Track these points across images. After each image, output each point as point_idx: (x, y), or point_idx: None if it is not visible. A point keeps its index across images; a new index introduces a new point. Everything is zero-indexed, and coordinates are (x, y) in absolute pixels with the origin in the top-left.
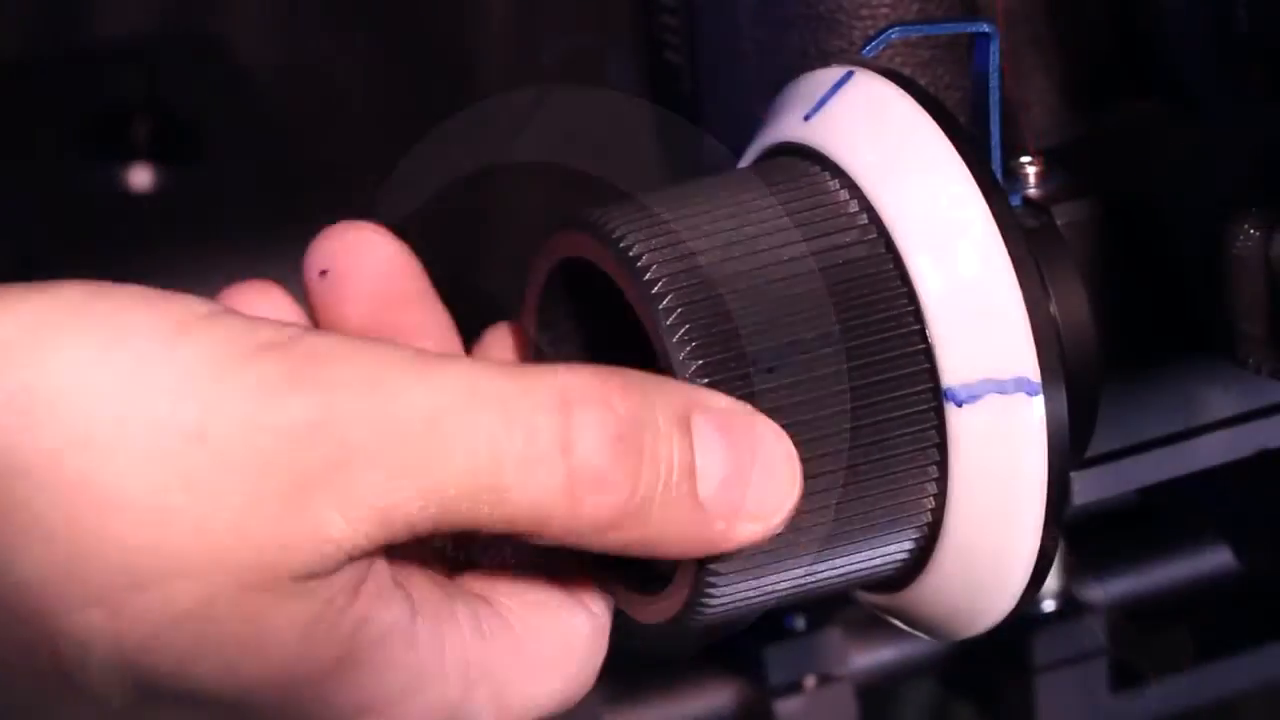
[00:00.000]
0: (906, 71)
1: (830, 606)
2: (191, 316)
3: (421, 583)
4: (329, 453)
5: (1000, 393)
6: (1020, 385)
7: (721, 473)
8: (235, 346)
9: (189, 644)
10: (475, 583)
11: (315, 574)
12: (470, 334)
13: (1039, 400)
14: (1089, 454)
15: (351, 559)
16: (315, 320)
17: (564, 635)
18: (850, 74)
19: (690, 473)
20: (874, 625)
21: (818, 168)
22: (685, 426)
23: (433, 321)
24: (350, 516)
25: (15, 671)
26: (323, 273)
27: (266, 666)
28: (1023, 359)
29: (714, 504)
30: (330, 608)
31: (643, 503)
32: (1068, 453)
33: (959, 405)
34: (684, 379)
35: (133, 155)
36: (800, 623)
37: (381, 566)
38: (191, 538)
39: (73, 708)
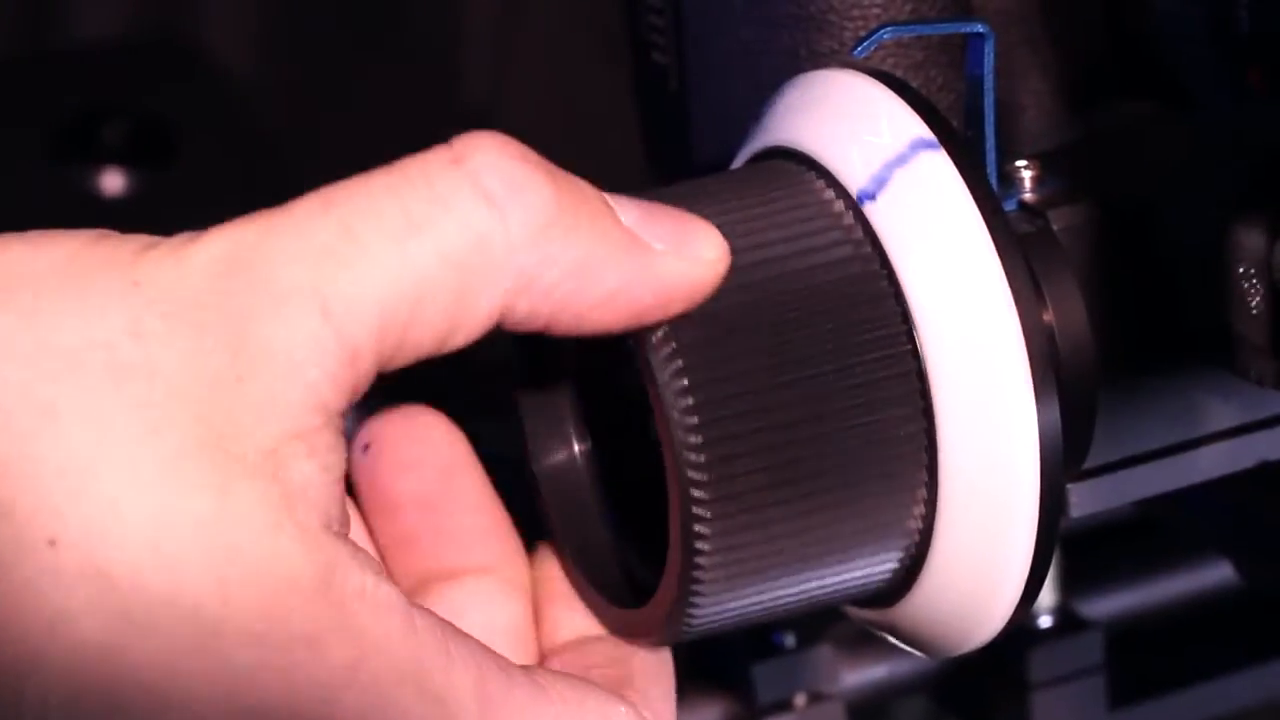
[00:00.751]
0: (899, 73)
1: (821, 622)
2: (111, 234)
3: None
4: (251, 268)
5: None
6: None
7: (637, 212)
8: (150, 240)
9: (158, 534)
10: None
11: (282, 419)
12: None
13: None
14: (1086, 465)
15: (315, 394)
16: (357, 496)
17: (601, 711)
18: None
19: (606, 202)
20: (865, 642)
21: (809, 172)
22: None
23: (482, 503)
24: (293, 321)
25: None
26: (366, 447)
27: (239, 561)
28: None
29: (640, 230)
30: (300, 501)
31: (568, 205)
32: (1062, 463)
33: (870, 194)
34: (664, 381)
35: (105, 159)
36: (790, 639)
37: (367, 556)
38: (146, 386)
39: (46, 642)
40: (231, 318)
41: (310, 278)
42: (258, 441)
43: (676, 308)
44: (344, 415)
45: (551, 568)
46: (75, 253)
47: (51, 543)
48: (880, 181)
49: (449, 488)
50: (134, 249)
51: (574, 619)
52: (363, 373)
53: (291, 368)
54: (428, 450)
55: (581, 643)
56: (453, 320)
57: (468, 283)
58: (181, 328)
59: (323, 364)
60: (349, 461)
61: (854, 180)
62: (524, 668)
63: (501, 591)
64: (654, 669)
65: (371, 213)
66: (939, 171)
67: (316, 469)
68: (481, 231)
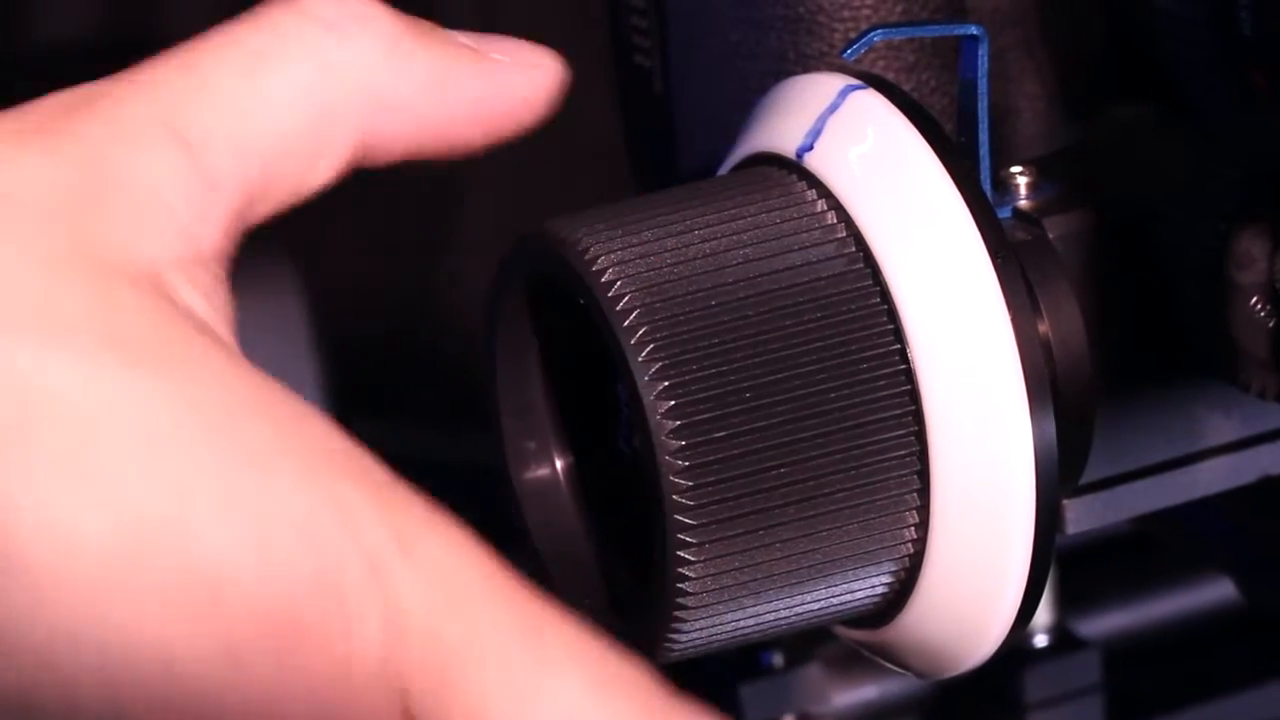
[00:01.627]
0: (890, 76)
1: (810, 642)
2: None
3: None
4: (96, 106)
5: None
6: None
7: (469, 35)
8: None
9: (46, 322)
10: None
11: (153, 241)
12: (446, 341)
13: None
14: (1083, 481)
15: (179, 220)
16: None
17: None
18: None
19: (441, 27)
20: (855, 662)
21: (799, 179)
22: None
23: None
24: (146, 150)
25: None
26: None
27: (137, 345)
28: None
29: (479, 45)
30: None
31: (409, 26)
32: (1058, 479)
33: None
34: (649, 400)
35: None
36: (778, 659)
37: None
38: (3, 205)
39: None
40: (82, 144)
41: (160, 111)
42: (134, 259)
43: (532, 116)
44: (221, 262)
45: None
46: None
47: None
48: (815, 133)
49: None
50: None
51: None
52: (228, 207)
53: (151, 194)
54: None
55: None
56: (314, 148)
57: (323, 107)
58: (31, 150)
59: (183, 191)
60: None
61: (794, 143)
62: None
63: None
64: None
65: (215, 53)
66: (869, 107)
67: (203, 302)
68: (329, 58)
